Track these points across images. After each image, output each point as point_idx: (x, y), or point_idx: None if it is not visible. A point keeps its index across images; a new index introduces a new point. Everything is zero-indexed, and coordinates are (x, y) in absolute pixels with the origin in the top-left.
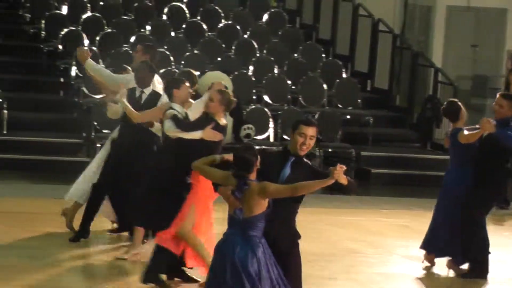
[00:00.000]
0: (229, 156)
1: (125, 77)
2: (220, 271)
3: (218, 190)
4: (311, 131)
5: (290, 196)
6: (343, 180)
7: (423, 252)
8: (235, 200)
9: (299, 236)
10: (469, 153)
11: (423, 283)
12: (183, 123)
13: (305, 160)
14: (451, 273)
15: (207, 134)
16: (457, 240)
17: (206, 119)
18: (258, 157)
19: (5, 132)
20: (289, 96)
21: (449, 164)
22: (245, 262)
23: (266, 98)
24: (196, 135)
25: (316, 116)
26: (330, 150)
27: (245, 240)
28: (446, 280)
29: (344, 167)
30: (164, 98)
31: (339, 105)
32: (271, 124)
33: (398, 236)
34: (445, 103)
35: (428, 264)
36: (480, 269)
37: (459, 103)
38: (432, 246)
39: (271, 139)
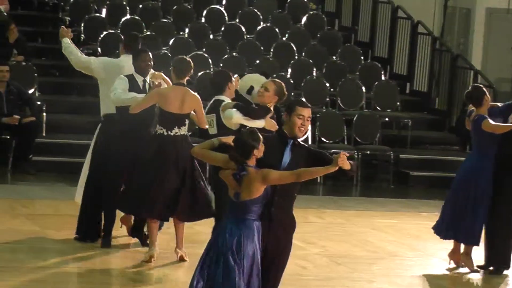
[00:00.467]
0: (228, 139)
1: (90, 60)
2: (212, 252)
3: (220, 174)
4: (307, 112)
5: (293, 181)
6: (347, 166)
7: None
8: (235, 183)
9: (295, 223)
10: (491, 141)
11: (462, 287)
12: (251, 111)
13: (302, 142)
14: (482, 274)
15: (268, 123)
16: (462, 225)
17: (265, 109)
18: (262, 145)
19: (44, 134)
20: (327, 99)
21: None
22: (232, 243)
23: (304, 100)
24: (260, 124)
25: (355, 119)
26: (368, 152)
27: (239, 223)
28: (485, 283)
29: (347, 154)
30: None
31: (378, 108)
32: (309, 127)
33: (438, 239)
34: (469, 87)
35: (455, 265)
36: (503, 261)
37: (484, 89)
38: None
39: (309, 142)
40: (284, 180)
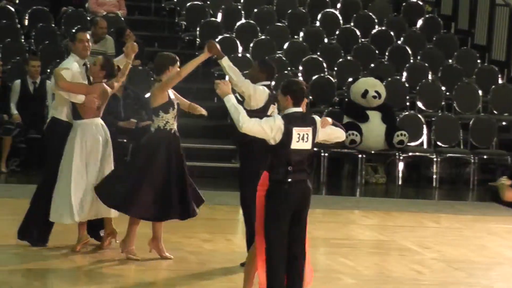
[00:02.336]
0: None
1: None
2: None
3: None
4: None
5: None
6: None
7: None
8: None
9: None
10: None
11: None
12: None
13: None
14: None
15: None
16: None
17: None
18: None
19: None
20: (443, 103)
21: None
22: None
23: (419, 104)
24: None
25: (471, 123)
26: (485, 157)
27: None
28: None
29: None
30: None
31: (495, 112)
32: (424, 131)
33: None
34: None
35: None
36: None
37: None
38: None
39: (425, 146)
40: None
